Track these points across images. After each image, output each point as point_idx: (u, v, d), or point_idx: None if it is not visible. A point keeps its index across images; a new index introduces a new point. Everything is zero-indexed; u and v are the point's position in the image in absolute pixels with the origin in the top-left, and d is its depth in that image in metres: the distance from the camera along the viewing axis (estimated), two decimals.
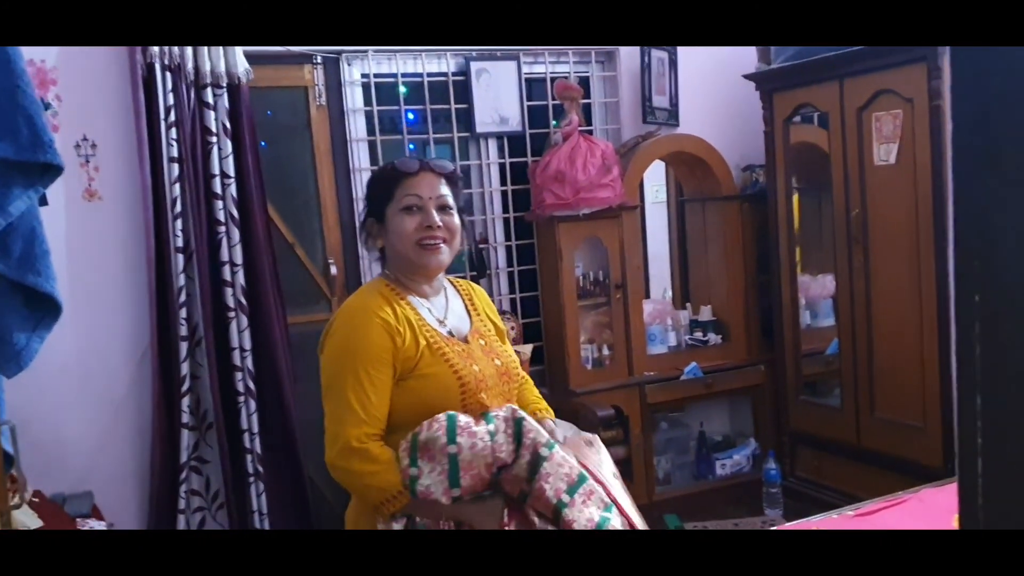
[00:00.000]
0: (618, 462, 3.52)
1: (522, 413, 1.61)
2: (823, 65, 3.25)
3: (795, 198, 3.68)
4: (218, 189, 2.95)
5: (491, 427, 1.56)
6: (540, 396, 1.94)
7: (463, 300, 1.83)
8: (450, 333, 1.72)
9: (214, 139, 2.95)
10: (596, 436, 1.77)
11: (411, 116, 3.56)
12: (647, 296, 3.88)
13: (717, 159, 3.76)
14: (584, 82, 3.73)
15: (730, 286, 3.85)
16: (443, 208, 1.71)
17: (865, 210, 3.21)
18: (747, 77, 3.60)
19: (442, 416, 1.56)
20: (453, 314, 1.77)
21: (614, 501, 1.59)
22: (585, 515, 1.51)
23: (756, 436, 3.93)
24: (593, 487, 1.57)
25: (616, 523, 1.53)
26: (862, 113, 3.16)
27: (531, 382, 1.95)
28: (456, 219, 1.73)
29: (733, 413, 4.08)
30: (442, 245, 1.69)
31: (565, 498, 1.52)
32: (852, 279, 3.31)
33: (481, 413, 1.62)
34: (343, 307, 1.72)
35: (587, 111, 3.74)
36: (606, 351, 3.65)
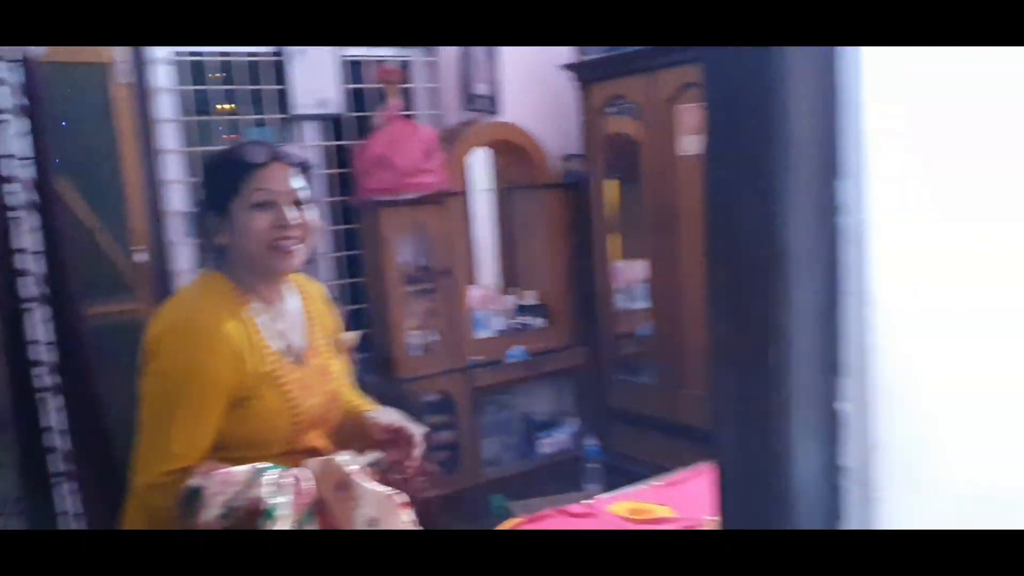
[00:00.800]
0: (446, 446, 3.60)
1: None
2: (635, 57, 3.39)
3: (616, 186, 3.83)
4: (10, 172, 2.74)
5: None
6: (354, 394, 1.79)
7: (302, 304, 1.68)
8: (288, 349, 1.58)
9: (7, 117, 2.73)
10: (353, 477, 1.46)
11: (226, 97, 3.44)
12: (475, 282, 3.93)
13: (538, 148, 3.85)
14: (407, 67, 3.72)
15: (553, 272, 3.96)
16: (297, 203, 1.53)
17: (675, 199, 3.38)
18: (564, 67, 3.70)
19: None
20: (293, 324, 1.63)
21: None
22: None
23: (578, 415, 4.08)
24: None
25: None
26: (671, 105, 3.33)
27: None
28: (311, 214, 1.56)
29: (557, 394, 4.21)
30: (298, 246, 1.54)
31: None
32: (664, 264, 3.48)
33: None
34: (181, 315, 1.52)
35: (410, 96, 3.73)
36: (435, 337, 3.67)
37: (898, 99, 0.67)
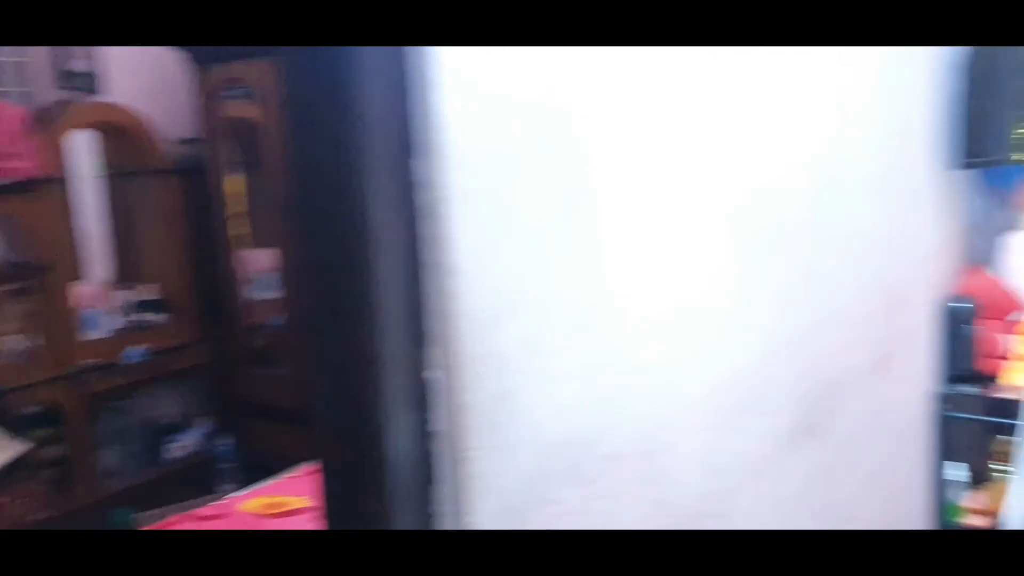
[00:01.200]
0: (55, 462, 3.23)
1: None
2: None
3: (242, 173, 3.69)
4: None
5: None
6: None
7: None
8: None
9: None
10: None
11: None
12: (83, 278, 3.57)
13: (148, 131, 3.59)
14: None
15: (173, 263, 3.72)
16: None
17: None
18: (177, 48, 3.49)
19: None
20: None
21: None
22: None
23: (209, 414, 3.89)
24: None
25: None
26: None
27: None
28: None
29: (185, 394, 3.97)
30: None
31: None
32: (294, 250, 3.43)
33: None
34: None
35: None
36: (36, 341, 3.27)
37: (469, 87, 0.72)
